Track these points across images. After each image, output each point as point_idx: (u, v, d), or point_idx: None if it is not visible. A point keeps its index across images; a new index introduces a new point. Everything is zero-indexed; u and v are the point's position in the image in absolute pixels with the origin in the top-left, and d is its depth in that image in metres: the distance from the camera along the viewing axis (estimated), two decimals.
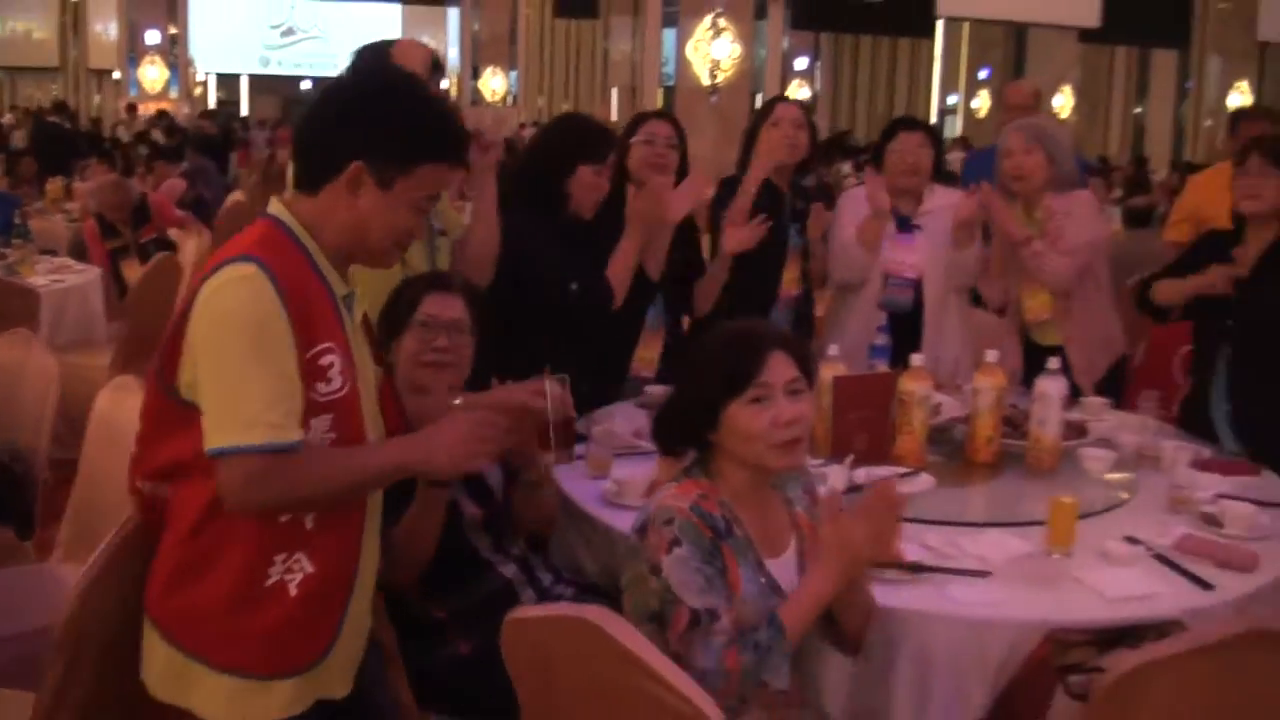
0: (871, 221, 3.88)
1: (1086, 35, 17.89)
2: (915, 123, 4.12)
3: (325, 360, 1.90)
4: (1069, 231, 3.72)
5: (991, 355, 3.11)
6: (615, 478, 2.77)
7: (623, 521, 2.48)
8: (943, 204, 3.92)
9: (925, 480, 2.86)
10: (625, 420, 3.23)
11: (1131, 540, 2.55)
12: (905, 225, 3.96)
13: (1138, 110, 21.37)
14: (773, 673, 1.96)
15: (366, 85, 2.06)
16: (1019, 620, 2.20)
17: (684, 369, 2.19)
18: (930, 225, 3.91)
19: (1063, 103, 22.06)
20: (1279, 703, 1.84)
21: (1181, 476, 2.86)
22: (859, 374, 3.26)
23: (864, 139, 20.18)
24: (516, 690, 2.05)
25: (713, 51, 11.80)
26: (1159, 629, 2.21)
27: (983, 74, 24.07)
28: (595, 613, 1.91)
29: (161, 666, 1.98)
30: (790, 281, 3.96)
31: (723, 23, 11.74)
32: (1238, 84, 19.45)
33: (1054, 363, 3.06)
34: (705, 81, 11.86)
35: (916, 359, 3.07)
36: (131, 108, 19.84)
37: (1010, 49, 22.89)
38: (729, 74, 11.81)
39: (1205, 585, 2.36)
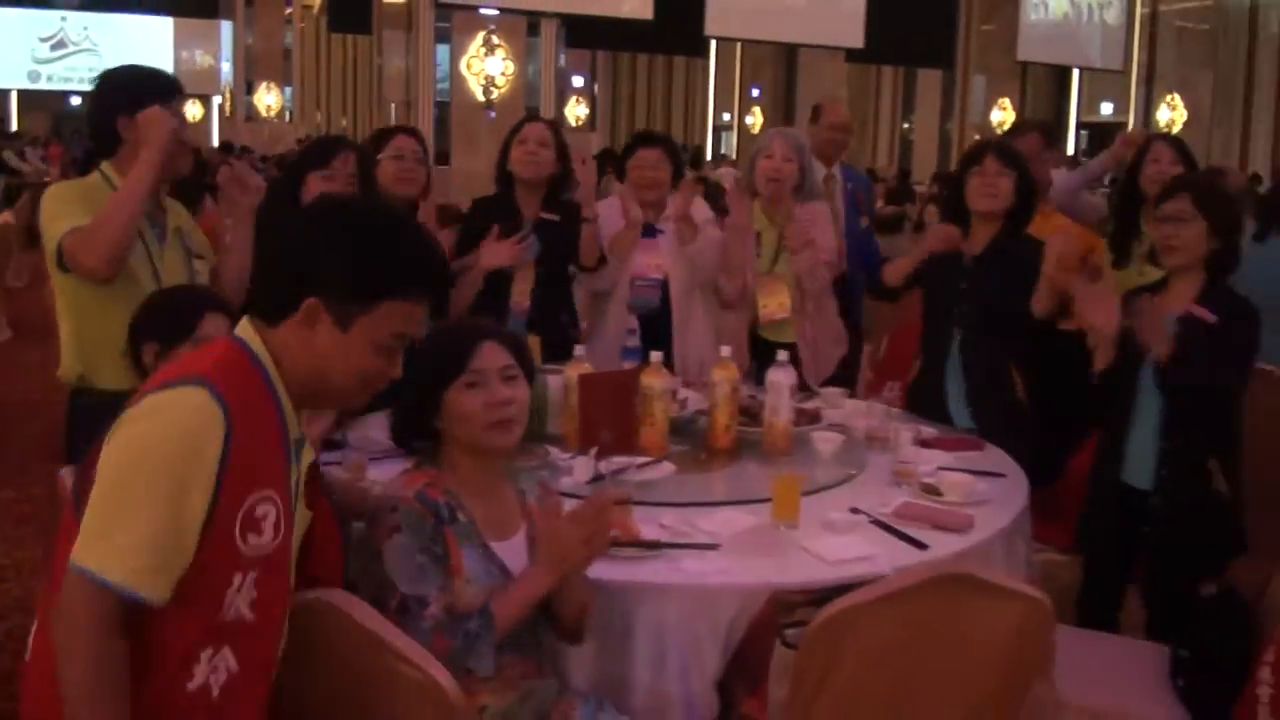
0: (624, 233, 4.07)
1: (853, 55, 18.68)
2: (653, 139, 4.34)
3: (261, 510, 1.74)
4: (819, 240, 4.03)
5: (725, 350, 3.29)
6: (371, 479, 2.78)
7: None
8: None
9: (666, 467, 3.00)
10: (380, 428, 3.22)
11: (855, 511, 2.74)
12: (649, 230, 4.17)
13: (905, 125, 22.37)
14: (478, 660, 2.06)
15: (324, 213, 1.90)
16: (744, 585, 2.34)
17: (408, 366, 2.27)
18: (672, 229, 4.14)
19: None
20: (962, 637, 2.02)
21: (905, 452, 3.08)
22: (603, 371, 3.39)
23: None
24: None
25: (487, 68, 11.87)
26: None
27: (755, 92, 24.85)
28: (338, 596, 1.97)
29: None
30: (521, 294, 3.99)
31: (496, 40, 11.82)
32: (1000, 101, 20.69)
33: (783, 355, 3.26)
34: (480, 98, 11.92)
35: (655, 356, 3.21)
36: None
37: (781, 68, 23.69)
38: (504, 90, 11.92)
39: (920, 545, 2.55)
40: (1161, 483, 3.17)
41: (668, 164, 4.16)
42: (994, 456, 3.30)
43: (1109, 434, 3.33)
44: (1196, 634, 2.72)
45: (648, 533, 2.52)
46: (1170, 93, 17.75)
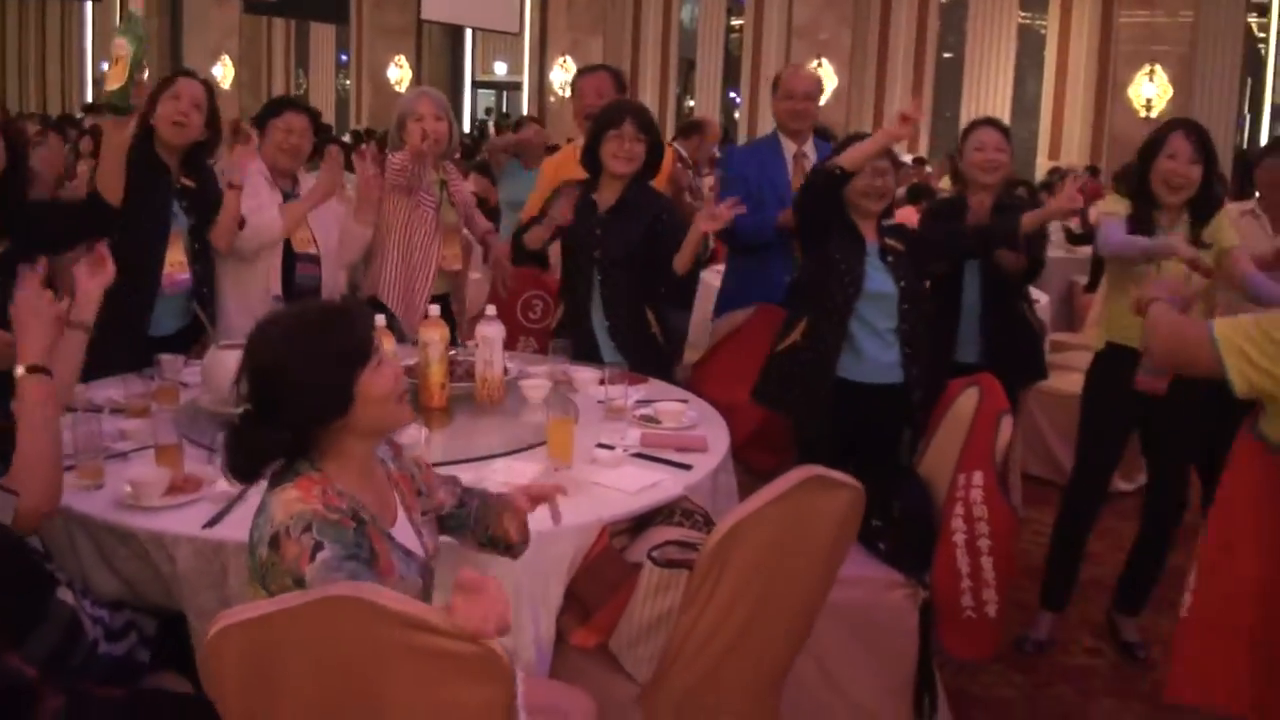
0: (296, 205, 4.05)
1: (248, 6, 18.21)
2: (298, 105, 4.23)
3: None
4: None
5: (434, 310, 3.40)
6: (130, 479, 2.58)
7: (160, 523, 2.44)
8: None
9: (416, 432, 3.01)
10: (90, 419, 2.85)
11: (605, 446, 3.01)
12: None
13: (301, 81, 22.16)
14: None
15: None
16: (580, 524, 2.55)
17: (268, 377, 1.96)
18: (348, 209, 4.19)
19: (223, 73, 22.20)
20: (812, 529, 2.38)
21: (611, 391, 3.36)
22: None
23: (16, 110, 18.93)
24: (222, 711, 1.79)
25: None
26: (672, 506, 2.71)
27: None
28: (368, 589, 1.72)
29: None
30: (177, 264, 3.79)
31: None
32: (396, 58, 21.09)
33: (491, 309, 3.44)
34: None
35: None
36: None
37: (166, 17, 22.53)
38: None
39: (685, 467, 2.92)
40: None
41: (309, 131, 4.10)
42: (657, 386, 3.70)
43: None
44: (885, 503, 3.21)
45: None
46: (562, 55, 19.16)
